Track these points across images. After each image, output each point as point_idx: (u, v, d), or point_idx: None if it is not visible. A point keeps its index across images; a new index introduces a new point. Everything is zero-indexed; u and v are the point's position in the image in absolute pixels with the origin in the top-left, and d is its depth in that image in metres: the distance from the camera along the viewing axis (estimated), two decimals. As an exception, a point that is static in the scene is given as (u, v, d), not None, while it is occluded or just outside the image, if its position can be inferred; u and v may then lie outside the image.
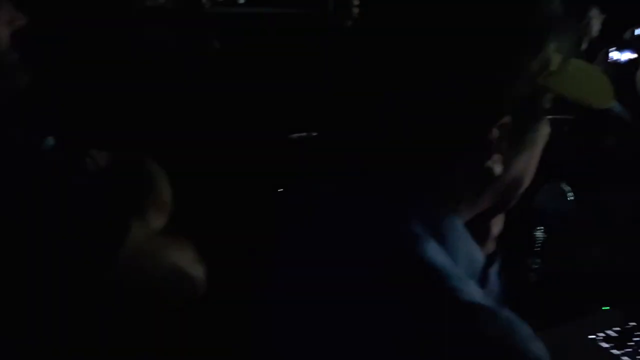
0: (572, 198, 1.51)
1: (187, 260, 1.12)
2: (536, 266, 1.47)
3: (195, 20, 2.74)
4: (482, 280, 0.66)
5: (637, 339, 1.40)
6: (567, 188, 1.50)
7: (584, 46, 3.42)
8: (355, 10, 2.71)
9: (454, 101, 0.60)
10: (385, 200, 0.64)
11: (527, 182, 0.69)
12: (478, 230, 0.67)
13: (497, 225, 0.72)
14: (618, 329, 1.43)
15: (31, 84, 1.12)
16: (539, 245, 1.48)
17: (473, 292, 0.59)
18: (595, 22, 3.52)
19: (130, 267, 1.03)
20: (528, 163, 0.67)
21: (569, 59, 0.66)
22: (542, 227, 1.50)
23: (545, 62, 0.63)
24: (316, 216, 0.71)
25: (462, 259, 0.64)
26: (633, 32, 3.65)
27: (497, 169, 0.63)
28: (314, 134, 2.62)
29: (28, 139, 1.17)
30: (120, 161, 1.39)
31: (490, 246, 0.70)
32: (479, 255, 0.67)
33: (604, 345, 1.40)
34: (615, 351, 1.38)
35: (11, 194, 1.02)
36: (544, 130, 0.67)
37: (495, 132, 0.61)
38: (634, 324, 1.44)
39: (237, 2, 3.07)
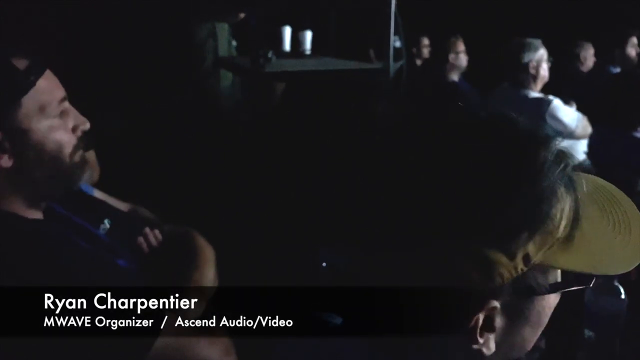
0: (624, 297, 1.45)
1: (218, 354, 1.15)
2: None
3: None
4: None
5: None
6: (619, 286, 1.45)
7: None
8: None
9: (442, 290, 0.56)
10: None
11: (532, 344, 0.65)
12: None
13: None
14: None
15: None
16: (587, 344, 1.43)
17: None
18: None
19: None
20: (532, 333, 0.63)
21: (577, 226, 0.59)
22: (591, 326, 1.44)
23: (544, 239, 0.57)
24: None
25: None
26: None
27: (488, 348, 0.59)
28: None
29: (86, 225, 1.25)
30: (170, 238, 1.45)
31: None
32: None
33: None
34: None
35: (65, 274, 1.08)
36: (551, 300, 0.62)
37: (480, 319, 0.57)
38: None
39: (303, 53, 3.14)
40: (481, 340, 0.59)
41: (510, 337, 0.61)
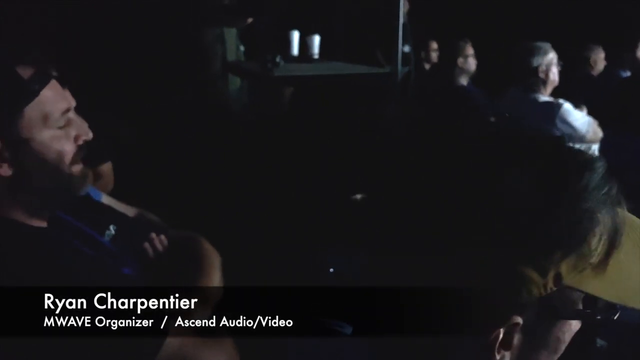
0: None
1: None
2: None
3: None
4: None
5: None
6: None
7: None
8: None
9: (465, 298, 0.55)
10: None
11: None
12: None
13: None
14: None
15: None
16: (599, 353, 1.41)
17: None
18: None
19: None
20: (547, 358, 0.61)
21: (613, 254, 0.58)
22: (603, 335, 1.42)
23: (578, 262, 0.56)
24: None
25: None
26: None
27: None
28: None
29: (91, 232, 1.24)
30: (176, 243, 1.44)
31: None
32: None
33: None
34: None
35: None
36: (572, 327, 0.61)
37: (501, 333, 0.56)
38: None
39: (311, 57, 3.14)
40: (497, 357, 0.58)
41: (525, 358, 0.60)
